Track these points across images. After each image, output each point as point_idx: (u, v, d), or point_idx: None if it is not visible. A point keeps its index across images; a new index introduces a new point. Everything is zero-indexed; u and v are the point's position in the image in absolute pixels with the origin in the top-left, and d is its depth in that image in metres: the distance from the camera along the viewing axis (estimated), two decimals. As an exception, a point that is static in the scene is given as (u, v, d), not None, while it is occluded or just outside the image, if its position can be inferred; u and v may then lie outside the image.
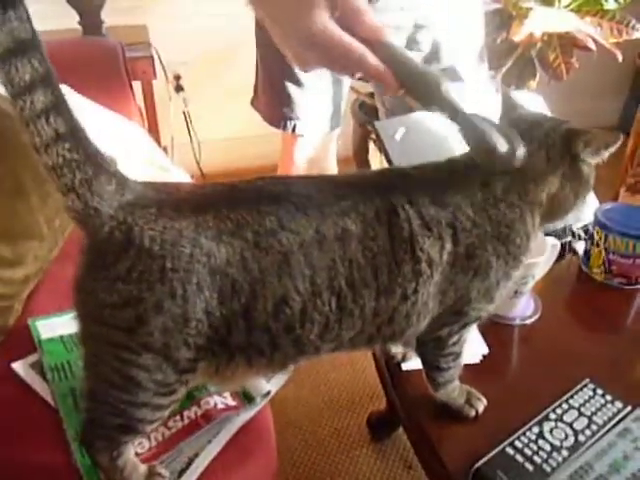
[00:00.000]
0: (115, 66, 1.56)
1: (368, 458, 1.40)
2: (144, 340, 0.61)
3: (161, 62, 2.04)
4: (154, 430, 0.78)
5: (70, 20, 1.86)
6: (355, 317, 0.66)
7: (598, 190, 0.89)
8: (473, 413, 0.81)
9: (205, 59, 2.29)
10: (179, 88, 2.24)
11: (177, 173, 1.45)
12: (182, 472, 0.77)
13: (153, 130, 1.95)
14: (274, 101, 1.40)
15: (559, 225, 0.97)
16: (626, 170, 2.10)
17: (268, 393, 0.88)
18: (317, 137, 1.46)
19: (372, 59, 0.62)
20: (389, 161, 1.02)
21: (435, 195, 0.67)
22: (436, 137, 1.06)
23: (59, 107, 0.56)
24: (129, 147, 1.32)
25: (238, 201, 0.63)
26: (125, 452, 0.72)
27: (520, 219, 0.70)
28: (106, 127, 1.30)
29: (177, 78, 2.23)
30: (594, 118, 2.61)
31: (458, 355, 0.79)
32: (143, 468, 0.74)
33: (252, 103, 1.51)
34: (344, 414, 1.51)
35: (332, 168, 1.61)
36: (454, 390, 0.82)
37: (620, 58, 1.74)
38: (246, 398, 0.87)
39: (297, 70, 1.30)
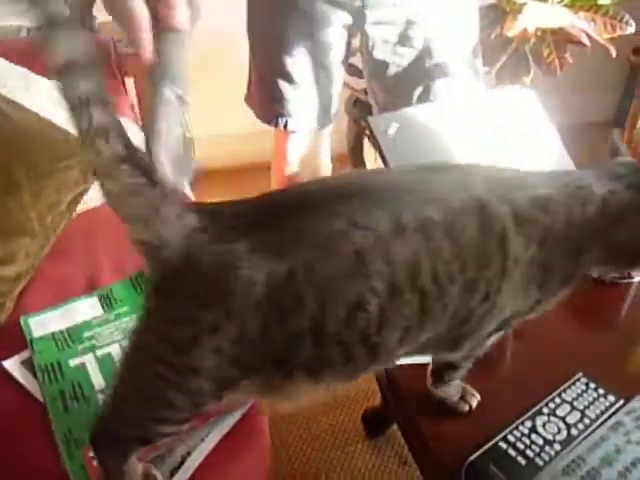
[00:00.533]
0: (107, 62, 1.55)
1: (363, 454, 1.41)
2: (194, 364, 0.59)
3: (154, 58, 2.02)
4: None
5: (62, 16, 1.85)
6: (437, 315, 0.63)
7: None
8: (466, 408, 0.81)
9: (198, 55, 2.28)
10: (173, 85, 2.23)
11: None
12: (174, 471, 0.76)
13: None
14: (266, 98, 1.40)
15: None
16: (620, 165, 2.10)
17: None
18: (309, 134, 1.45)
19: (146, 42, 0.58)
20: (382, 156, 1.02)
21: (535, 196, 0.65)
22: (429, 133, 1.06)
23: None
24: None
25: (300, 208, 0.59)
26: (132, 456, 0.71)
27: (593, 248, 0.69)
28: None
29: (171, 75, 2.22)
30: (589, 113, 2.62)
31: (473, 356, 0.78)
32: (140, 468, 0.74)
33: (246, 100, 1.50)
34: (339, 410, 1.51)
35: (325, 165, 1.61)
36: (451, 386, 0.81)
37: (614, 54, 1.74)
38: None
39: (288, 67, 1.29)
